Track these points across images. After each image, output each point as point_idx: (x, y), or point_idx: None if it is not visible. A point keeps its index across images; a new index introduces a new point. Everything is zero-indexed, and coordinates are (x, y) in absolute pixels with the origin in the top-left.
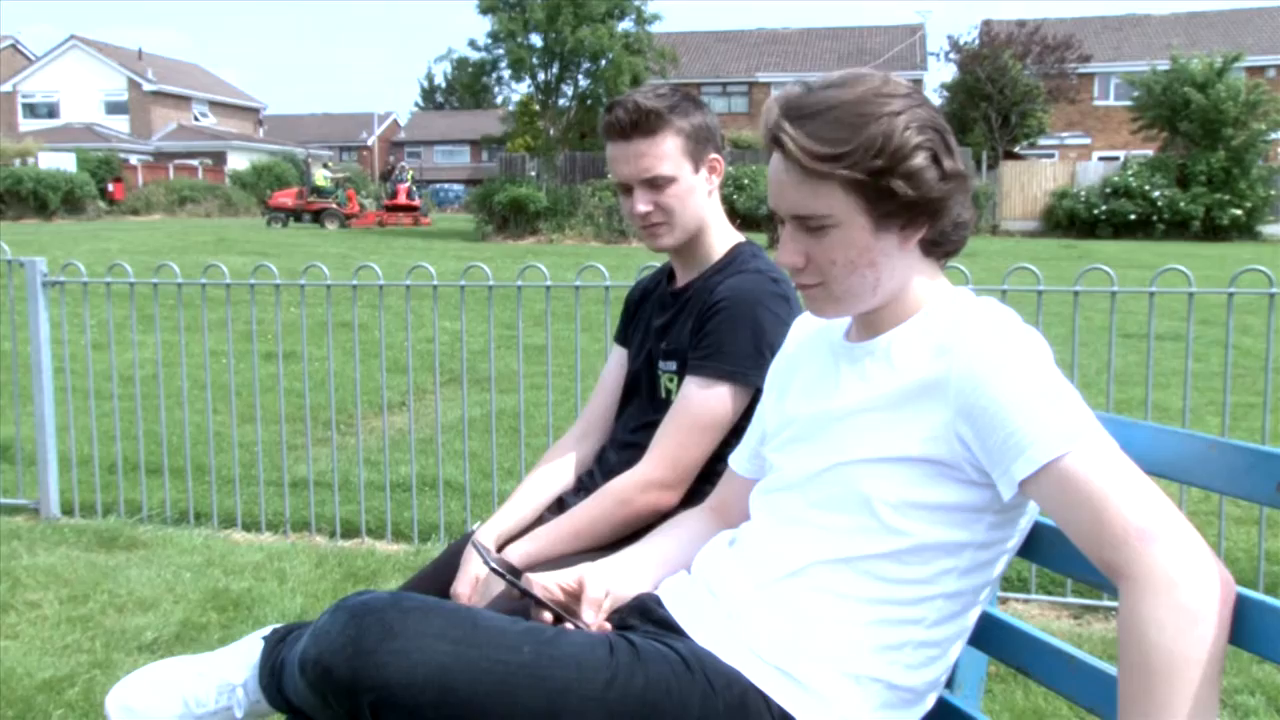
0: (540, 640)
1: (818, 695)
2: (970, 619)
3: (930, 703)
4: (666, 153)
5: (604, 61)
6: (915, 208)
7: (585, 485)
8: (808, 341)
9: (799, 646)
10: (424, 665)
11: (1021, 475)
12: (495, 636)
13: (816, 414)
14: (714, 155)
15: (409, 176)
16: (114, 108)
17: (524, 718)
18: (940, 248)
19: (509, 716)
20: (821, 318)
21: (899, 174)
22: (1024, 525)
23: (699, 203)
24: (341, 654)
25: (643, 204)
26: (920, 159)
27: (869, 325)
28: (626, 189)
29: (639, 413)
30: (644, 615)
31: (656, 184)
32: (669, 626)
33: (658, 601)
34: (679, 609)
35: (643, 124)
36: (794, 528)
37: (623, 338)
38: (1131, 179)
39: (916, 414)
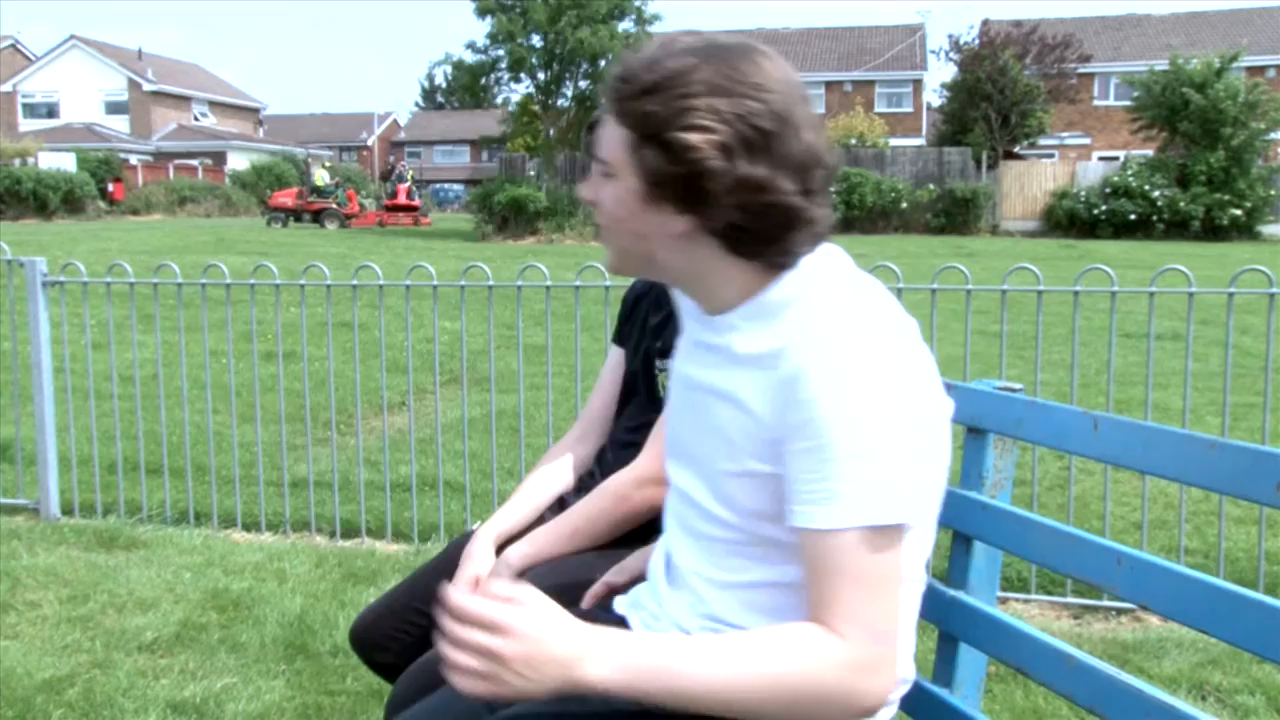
0: None
1: None
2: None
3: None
4: None
5: (604, 62)
6: (683, 187)
7: (586, 485)
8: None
9: None
10: None
11: (793, 522)
12: None
13: (684, 380)
14: None
15: (409, 176)
16: (114, 108)
17: None
18: (745, 248)
19: None
20: (608, 269)
21: (664, 142)
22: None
23: None
24: None
25: None
26: (696, 137)
27: (704, 306)
28: None
29: (638, 412)
30: None
31: None
32: None
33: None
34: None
35: None
36: (689, 541)
37: (620, 338)
38: (1131, 179)
39: (749, 423)
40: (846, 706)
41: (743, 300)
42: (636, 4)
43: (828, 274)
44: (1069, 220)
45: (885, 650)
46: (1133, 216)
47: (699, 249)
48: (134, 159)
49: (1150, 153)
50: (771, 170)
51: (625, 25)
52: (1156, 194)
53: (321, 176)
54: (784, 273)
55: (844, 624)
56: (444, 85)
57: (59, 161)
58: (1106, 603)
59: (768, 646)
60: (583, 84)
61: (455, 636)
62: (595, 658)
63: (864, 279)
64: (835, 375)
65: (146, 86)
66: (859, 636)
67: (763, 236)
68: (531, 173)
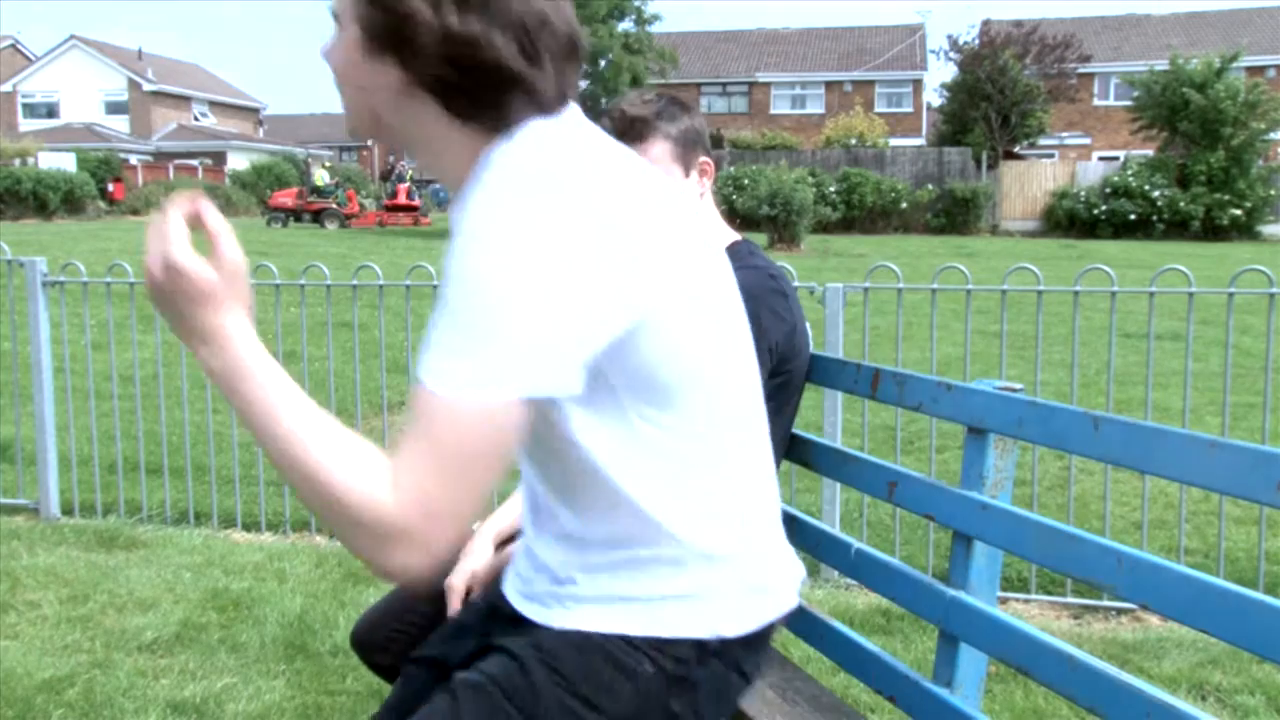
0: None
1: (661, 600)
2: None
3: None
4: (655, 159)
5: (603, 62)
6: (390, 35)
7: None
8: None
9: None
10: None
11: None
12: None
13: None
14: (703, 158)
15: (409, 176)
16: (114, 108)
17: None
18: (460, 109)
19: None
20: (346, 131)
21: None
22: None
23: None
24: None
25: None
26: None
27: (443, 181)
28: None
29: None
30: (495, 617)
31: None
32: (518, 621)
33: (502, 596)
34: (516, 598)
35: (630, 132)
36: (526, 465)
37: None
38: (1131, 179)
39: None
40: (368, 555)
41: (468, 171)
42: (636, 4)
43: (537, 140)
44: (1069, 220)
45: (429, 529)
46: (1133, 216)
47: (417, 108)
48: (134, 159)
49: (1150, 153)
50: (486, 26)
51: (625, 25)
52: (1156, 194)
53: (321, 176)
54: (499, 140)
55: (402, 478)
56: None
57: (59, 161)
58: (1106, 603)
59: (342, 446)
60: (583, 84)
61: (149, 245)
62: (215, 349)
63: (586, 145)
64: (469, 233)
65: (146, 86)
66: (409, 499)
67: (475, 97)
68: None
